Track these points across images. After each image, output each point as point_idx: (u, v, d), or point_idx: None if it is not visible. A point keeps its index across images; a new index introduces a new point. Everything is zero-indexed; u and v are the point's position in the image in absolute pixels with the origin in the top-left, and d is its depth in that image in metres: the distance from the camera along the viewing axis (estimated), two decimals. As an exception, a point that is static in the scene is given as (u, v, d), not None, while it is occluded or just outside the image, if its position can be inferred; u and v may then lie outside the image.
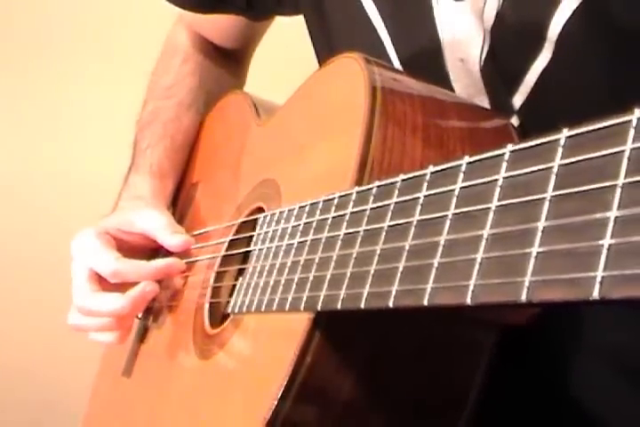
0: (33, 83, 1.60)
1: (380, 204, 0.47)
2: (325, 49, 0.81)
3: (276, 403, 0.52)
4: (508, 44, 0.64)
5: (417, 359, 0.54)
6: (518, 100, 0.64)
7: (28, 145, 1.59)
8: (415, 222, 0.42)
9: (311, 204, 0.56)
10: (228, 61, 1.04)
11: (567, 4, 0.59)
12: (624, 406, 0.63)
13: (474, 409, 0.55)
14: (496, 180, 0.37)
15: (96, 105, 1.61)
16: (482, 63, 0.65)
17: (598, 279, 0.29)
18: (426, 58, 0.69)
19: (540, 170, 0.34)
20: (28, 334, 1.54)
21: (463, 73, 0.67)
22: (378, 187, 0.48)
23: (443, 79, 0.67)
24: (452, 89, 0.68)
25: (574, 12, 0.59)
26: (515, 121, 0.65)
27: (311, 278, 0.51)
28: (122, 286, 0.76)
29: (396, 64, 0.71)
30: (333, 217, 0.52)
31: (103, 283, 0.77)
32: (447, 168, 0.41)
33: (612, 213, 0.29)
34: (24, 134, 1.60)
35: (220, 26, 1.00)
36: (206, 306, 0.74)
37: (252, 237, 0.68)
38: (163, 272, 0.78)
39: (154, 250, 0.91)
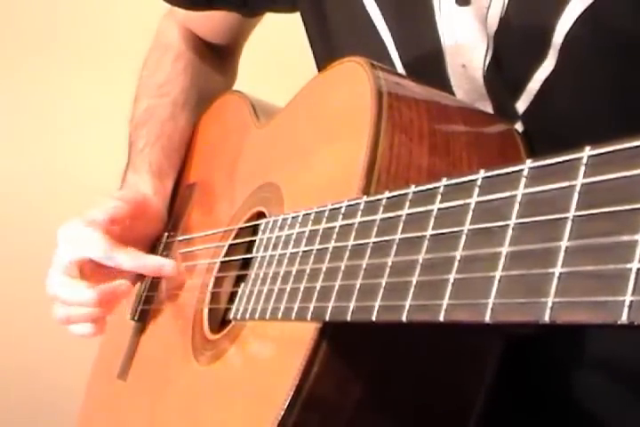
0: (29, 82, 1.58)
1: (390, 214, 0.46)
2: (325, 49, 0.80)
3: (282, 413, 0.52)
4: (512, 50, 0.63)
5: (424, 369, 0.54)
6: (522, 105, 0.64)
7: (24, 144, 1.58)
8: (429, 236, 0.42)
9: (316, 211, 0.55)
10: (218, 59, 1.04)
11: (572, 9, 0.59)
12: (626, 417, 0.63)
13: (478, 420, 0.55)
14: (515, 195, 0.36)
15: (92, 104, 1.60)
16: (485, 69, 0.65)
17: (627, 303, 0.29)
18: (427, 63, 0.68)
19: (561, 188, 0.34)
20: (26, 333, 1.53)
21: (464, 79, 0.67)
22: (388, 197, 0.47)
23: (444, 84, 0.67)
24: (453, 94, 0.67)
25: (579, 17, 0.58)
26: (519, 126, 0.64)
27: (318, 288, 0.51)
28: (102, 280, 0.75)
29: (399, 67, 0.70)
30: (341, 226, 0.51)
31: (84, 274, 0.76)
32: (462, 182, 0.41)
33: (640, 236, 0.29)
34: (20, 134, 1.59)
35: (212, 22, 0.99)
36: (205, 311, 0.73)
37: (251, 242, 0.67)
38: (155, 269, 0.78)
39: (150, 246, 0.90)
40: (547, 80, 0.61)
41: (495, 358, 0.55)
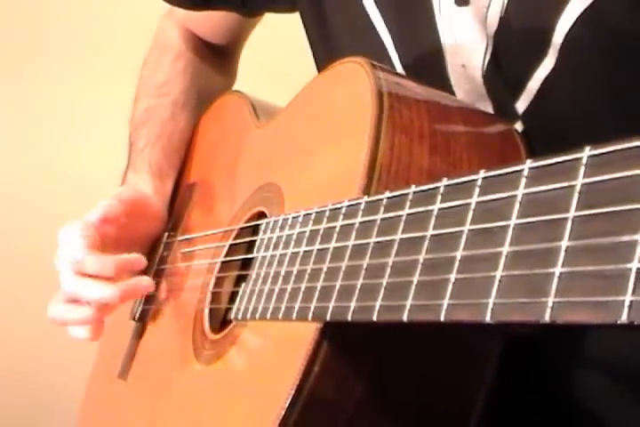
0: (28, 82, 1.59)
1: (391, 214, 0.46)
2: (325, 50, 0.81)
3: (284, 412, 0.52)
4: (512, 50, 0.64)
5: (424, 369, 0.54)
6: (521, 105, 0.64)
7: (24, 145, 1.58)
8: (429, 236, 0.42)
9: (317, 211, 0.56)
10: (218, 59, 1.04)
11: (572, 9, 0.59)
12: (626, 416, 0.63)
13: (479, 420, 0.55)
14: (515, 196, 0.37)
15: (92, 104, 1.61)
16: (484, 69, 0.65)
17: (627, 303, 0.29)
18: (427, 63, 0.68)
19: (561, 188, 0.34)
20: (25, 333, 1.53)
21: (464, 79, 0.67)
22: (389, 197, 0.47)
23: (444, 84, 0.67)
24: (453, 95, 0.68)
25: (579, 17, 0.59)
26: (518, 126, 0.65)
27: (319, 288, 0.51)
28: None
29: (399, 68, 0.70)
30: (342, 226, 0.52)
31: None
32: (462, 182, 0.41)
33: (640, 236, 0.29)
34: (20, 134, 1.59)
35: (211, 22, 1.00)
36: (206, 311, 0.73)
37: (252, 242, 0.67)
38: (122, 266, 0.74)
39: (150, 246, 0.90)
40: (546, 79, 0.62)
41: (495, 358, 0.56)
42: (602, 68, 0.60)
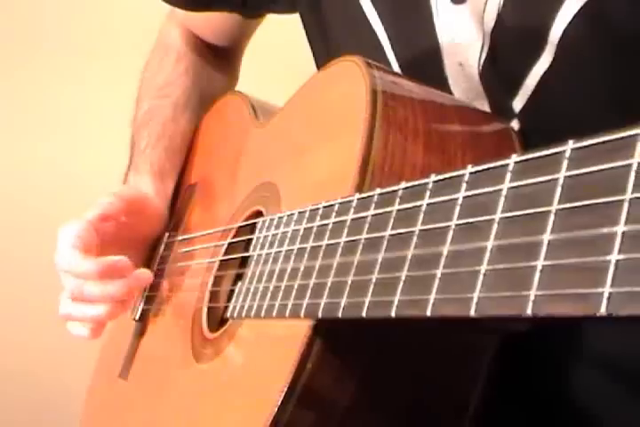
0: (28, 82, 1.59)
1: (381, 211, 0.46)
2: (323, 50, 0.81)
3: (276, 409, 0.52)
4: (509, 48, 0.63)
5: (418, 367, 0.54)
6: (518, 103, 0.64)
7: (24, 145, 1.59)
8: (417, 232, 0.42)
9: (311, 209, 0.56)
10: (220, 60, 1.04)
11: (569, 6, 0.59)
12: (624, 416, 0.62)
13: (475, 418, 0.55)
14: (500, 190, 0.37)
15: (92, 104, 1.61)
16: (481, 67, 0.65)
17: (606, 295, 0.29)
18: (425, 62, 0.68)
19: (545, 182, 0.34)
20: (26, 334, 1.54)
21: (462, 77, 0.67)
22: (379, 194, 0.47)
23: (441, 83, 0.67)
24: (450, 93, 0.68)
25: (576, 14, 0.58)
26: (515, 124, 0.64)
27: (311, 285, 0.51)
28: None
29: (395, 68, 0.70)
30: (334, 223, 0.52)
31: None
32: (450, 177, 0.41)
33: (620, 228, 0.29)
34: (20, 134, 1.59)
35: (213, 23, 1.00)
36: (204, 310, 0.74)
37: (250, 240, 0.68)
38: (105, 269, 0.71)
39: (151, 246, 0.91)
40: (543, 77, 0.61)
41: (491, 357, 0.55)
42: (599, 65, 0.60)
